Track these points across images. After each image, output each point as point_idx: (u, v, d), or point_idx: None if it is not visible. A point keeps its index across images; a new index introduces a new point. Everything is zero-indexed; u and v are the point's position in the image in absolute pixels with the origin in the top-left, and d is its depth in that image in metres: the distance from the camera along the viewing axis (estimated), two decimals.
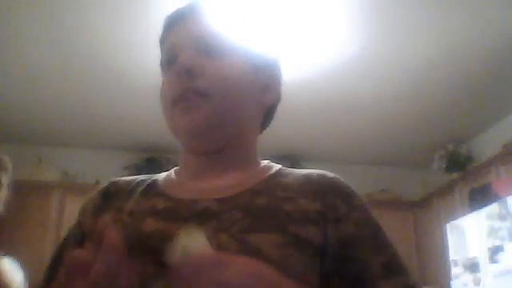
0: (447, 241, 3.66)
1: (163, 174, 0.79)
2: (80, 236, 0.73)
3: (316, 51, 3.18)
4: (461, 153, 4.27)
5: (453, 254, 3.57)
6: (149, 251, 0.63)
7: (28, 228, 3.93)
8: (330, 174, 0.75)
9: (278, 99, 0.81)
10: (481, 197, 3.47)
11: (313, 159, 4.79)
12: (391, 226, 4.51)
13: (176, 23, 0.76)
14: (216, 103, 0.70)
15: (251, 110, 0.77)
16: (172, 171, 0.80)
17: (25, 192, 3.98)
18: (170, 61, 0.74)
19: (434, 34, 3.02)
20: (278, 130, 4.24)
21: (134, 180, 0.78)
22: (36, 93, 3.70)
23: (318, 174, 0.74)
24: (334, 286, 0.66)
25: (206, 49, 0.72)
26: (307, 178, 0.73)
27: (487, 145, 4.16)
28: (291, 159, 4.68)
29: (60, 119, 4.12)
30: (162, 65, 0.77)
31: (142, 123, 4.08)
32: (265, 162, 0.80)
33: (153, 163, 4.38)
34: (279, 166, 0.79)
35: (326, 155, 4.81)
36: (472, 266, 3.32)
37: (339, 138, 4.48)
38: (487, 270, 3.16)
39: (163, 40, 0.78)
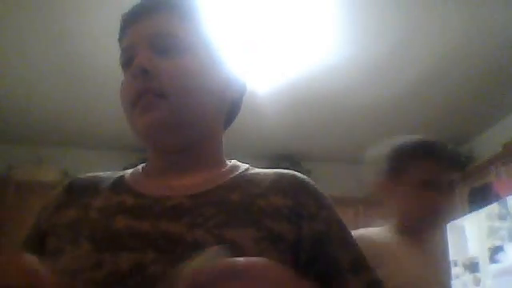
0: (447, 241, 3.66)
1: (129, 171, 0.79)
2: (40, 233, 0.73)
3: (316, 51, 3.18)
4: (461, 153, 4.27)
5: (453, 254, 3.57)
6: (122, 248, 0.63)
7: (28, 228, 3.93)
8: (299, 175, 0.76)
9: (242, 93, 0.81)
10: (481, 197, 3.47)
11: (313, 159, 4.79)
12: None
13: (133, 21, 0.74)
14: (173, 102, 0.69)
15: (214, 106, 0.76)
16: (139, 168, 0.80)
17: (25, 192, 3.98)
18: (127, 61, 0.73)
19: (433, 33, 3.02)
20: (278, 130, 4.26)
21: (98, 177, 0.78)
22: (36, 93, 3.70)
23: (288, 174, 0.76)
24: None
25: (163, 48, 0.71)
26: (278, 176, 0.75)
27: (487, 145, 4.16)
28: (291, 159, 4.68)
29: (60, 119, 4.11)
30: (121, 65, 0.77)
31: None
32: (232, 161, 0.80)
33: None
34: (247, 165, 0.79)
35: (326, 155, 4.81)
36: (472, 266, 3.32)
37: (339, 138, 4.48)
38: (487, 269, 3.16)
39: (121, 38, 0.77)
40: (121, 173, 0.79)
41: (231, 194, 0.70)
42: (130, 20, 0.75)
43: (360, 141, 4.56)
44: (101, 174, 0.80)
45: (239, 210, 0.67)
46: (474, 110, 3.98)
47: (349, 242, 0.72)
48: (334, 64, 3.32)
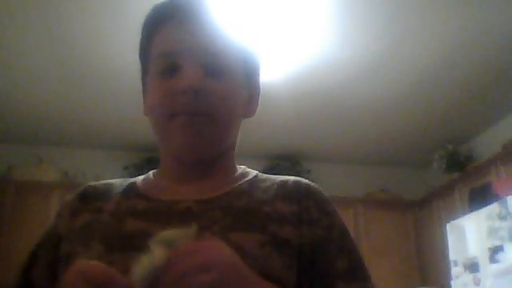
0: (447, 241, 3.66)
1: (140, 177, 0.81)
2: (56, 239, 0.74)
3: (316, 50, 3.18)
4: (461, 153, 4.27)
5: (453, 254, 3.56)
6: (132, 248, 0.64)
7: (28, 228, 3.93)
8: (304, 181, 0.78)
9: (257, 107, 0.83)
10: (481, 197, 3.47)
11: (313, 159, 4.79)
12: (391, 226, 4.55)
13: (174, 22, 0.73)
14: (217, 125, 0.72)
15: (240, 120, 0.79)
16: (150, 174, 0.82)
17: (25, 192, 3.98)
18: (167, 68, 0.72)
19: (434, 33, 3.02)
20: (278, 130, 4.26)
21: (111, 183, 0.80)
22: (36, 93, 3.70)
23: (294, 180, 0.77)
24: (304, 284, 0.69)
25: (212, 67, 0.72)
26: (283, 183, 0.76)
27: (487, 145, 4.16)
28: (291, 159, 4.68)
29: (60, 119, 4.11)
30: (145, 59, 0.77)
31: (141, 123, 4.05)
32: (242, 168, 0.82)
33: (153, 163, 4.37)
34: (256, 172, 0.81)
35: (326, 155, 4.81)
36: (472, 266, 3.32)
37: (339, 138, 4.48)
38: (487, 270, 3.16)
39: (152, 34, 0.76)
40: (132, 179, 0.81)
41: (238, 200, 0.72)
42: (171, 20, 0.74)
43: (360, 141, 4.58)
44: (111, 180, 0.81)
45: (245, 215, 0.70)
46: (474, 110, 3.98)
47: (347, 249, 0.73)
48: (334, 63, 3.32)
